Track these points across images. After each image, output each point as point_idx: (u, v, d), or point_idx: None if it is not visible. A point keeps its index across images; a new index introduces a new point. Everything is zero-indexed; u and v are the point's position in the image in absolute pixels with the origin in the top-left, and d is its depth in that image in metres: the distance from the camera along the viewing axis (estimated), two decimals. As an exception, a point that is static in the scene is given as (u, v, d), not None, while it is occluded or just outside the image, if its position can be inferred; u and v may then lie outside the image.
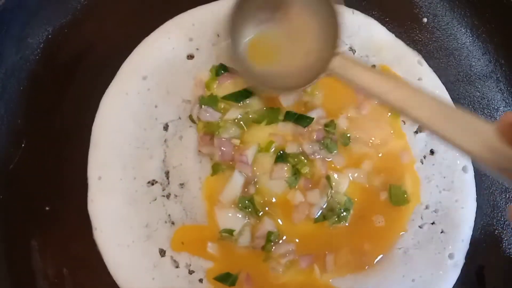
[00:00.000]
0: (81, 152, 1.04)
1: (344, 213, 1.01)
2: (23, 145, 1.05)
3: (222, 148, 1.01)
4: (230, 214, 1.00)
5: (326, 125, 1.04)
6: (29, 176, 1.04)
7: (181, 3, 1.12)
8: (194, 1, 1.12)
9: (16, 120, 1.05)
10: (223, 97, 1.04)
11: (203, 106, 1.02)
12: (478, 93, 1.17)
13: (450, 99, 1.15)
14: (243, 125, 1.04)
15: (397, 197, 1.04)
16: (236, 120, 1.03)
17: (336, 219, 1.01)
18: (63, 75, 1.08)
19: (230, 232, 0.98)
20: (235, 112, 1.03)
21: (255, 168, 1.02)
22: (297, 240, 1.01)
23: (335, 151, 1.03)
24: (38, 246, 1.01)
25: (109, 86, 1.06)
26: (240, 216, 1.00)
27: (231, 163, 1.01)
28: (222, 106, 1.04)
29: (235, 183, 1.00)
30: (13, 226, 1.01)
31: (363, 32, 1.16)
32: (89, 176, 1.02)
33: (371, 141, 1.07)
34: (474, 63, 1.19)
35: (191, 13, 1.13)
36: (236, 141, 1.02)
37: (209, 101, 1.03)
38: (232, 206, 1.00)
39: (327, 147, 1.03)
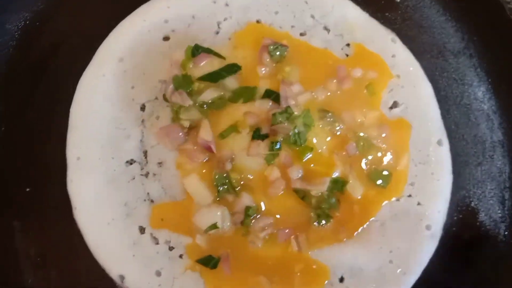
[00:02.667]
0: (60, 134, 1.06)
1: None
2: (2, 128, 1.07)
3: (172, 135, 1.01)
4: (206, 213, 0.99)
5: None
6: (9, 159, 1.05)
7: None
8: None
9: (-5, 105, 1.07)
10: (199, 78, 1.04)
11: (177, 88, 1.01)
12: (452, 69, 1.19)
13: (424, 75, 1.17)
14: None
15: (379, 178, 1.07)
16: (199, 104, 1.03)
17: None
18: (41, 59, 1.10)
19: (215, 226, 0.98)
20: (211, 93, 1.04)
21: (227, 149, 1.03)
22: (278, 216, 1.02)
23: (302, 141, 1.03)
24: (20, 226, 1.02)
25: (86, 69, 1.08)
26: (215, 208, 1.00)
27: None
28: (197, 86, 1.05)
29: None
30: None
31: (337, 12, 1.18)
32: (67, 157, 1.04)
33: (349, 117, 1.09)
34: (447, 40, 1.21)
35: (166, -5, 1.15)
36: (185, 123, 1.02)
37: (183, 81, 1.02)
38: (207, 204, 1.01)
39: (295, 142, 1.03)
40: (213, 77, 1.04)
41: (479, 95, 1.18)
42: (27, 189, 1.04)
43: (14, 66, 1.09)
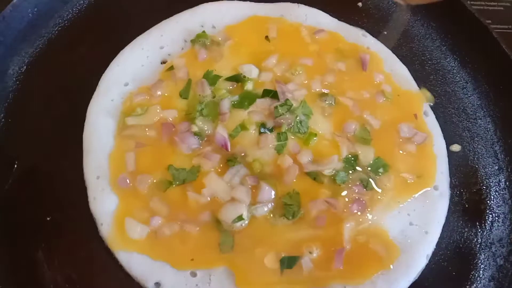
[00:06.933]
0: (74, 159, 1.09)
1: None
2: (15, 166, 1.09)
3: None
4: (230, 207, 1.03)
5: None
6: (25, 192, 1.06)
7: (146, 21, 1.28)
8: (159, 16, 1.29)
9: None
10: (226, 78, 1.18)
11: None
12: (420, 51, 1.35)
13: (399, 60, 1.32)
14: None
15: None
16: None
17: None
18: (47, 92, 1.16)
19: (240, 218, 1.02)
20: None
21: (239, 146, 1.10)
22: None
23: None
24: (43, 257, 1.00)
25: (93, 95, 1.15)
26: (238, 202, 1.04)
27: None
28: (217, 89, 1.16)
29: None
30: (16, 241, 1.01)
31: (310, 20, 1.33)
32: (86, 179, 1.06)
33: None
34: (411, 26, 1.39)
35: (159, 26, 1.27)
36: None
37: (214, 77, 1.17)
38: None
39: (299, 130, 1.13)
40: (237, 79, 1.18)
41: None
42: (48, 218, 1.04)
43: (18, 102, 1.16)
